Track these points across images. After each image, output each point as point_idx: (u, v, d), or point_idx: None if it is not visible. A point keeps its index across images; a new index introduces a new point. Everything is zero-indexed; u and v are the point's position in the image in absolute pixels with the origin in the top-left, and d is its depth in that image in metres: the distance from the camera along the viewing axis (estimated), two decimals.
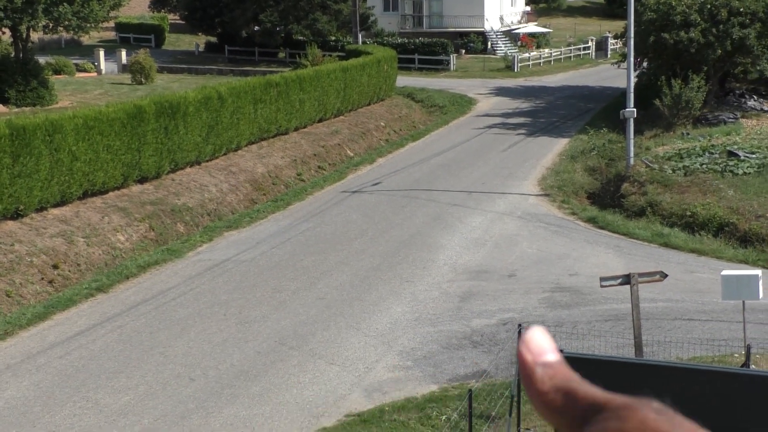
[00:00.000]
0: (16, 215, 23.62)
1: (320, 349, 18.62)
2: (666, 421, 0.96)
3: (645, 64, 48.88)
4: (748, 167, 32.21)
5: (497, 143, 41.91)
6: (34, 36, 53.79)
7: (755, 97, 47.56)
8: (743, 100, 46.74)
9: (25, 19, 42.69)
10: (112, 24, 74.37)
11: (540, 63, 71.41)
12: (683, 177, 31.82)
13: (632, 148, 34.02)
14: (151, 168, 28.62)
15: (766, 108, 45.77)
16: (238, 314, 20.52)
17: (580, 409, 1.00)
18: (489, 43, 75.88)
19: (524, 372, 1.04)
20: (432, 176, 35.14)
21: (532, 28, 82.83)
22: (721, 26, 43.17)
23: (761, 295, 15.83)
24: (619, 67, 49.70)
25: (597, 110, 50.67)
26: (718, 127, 40.70)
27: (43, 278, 21.99)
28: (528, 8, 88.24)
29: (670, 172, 32.58)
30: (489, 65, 68.57)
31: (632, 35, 34.16)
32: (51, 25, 44.93)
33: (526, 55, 71.46)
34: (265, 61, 70.42)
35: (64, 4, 43.30)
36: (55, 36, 61.05)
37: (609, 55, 73.94)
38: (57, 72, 58.23)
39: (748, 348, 15.09)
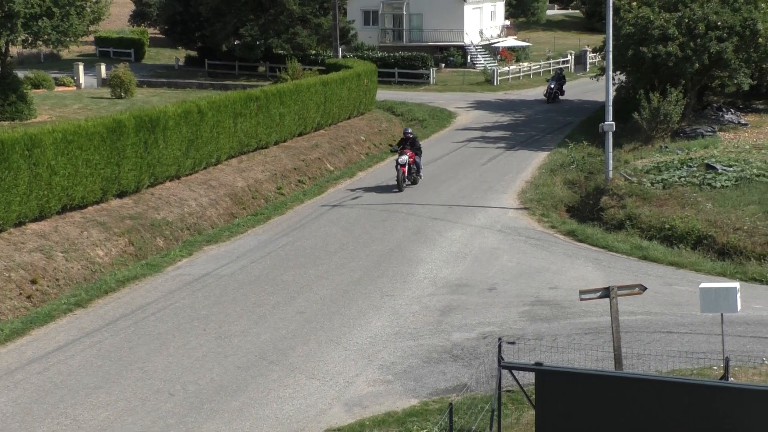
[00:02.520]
0: None
1: (300, 363, 18.59)
2: None
3: (623, 77, 49.17)
4: (725, 180, 32.41)
5: (477, 157, 42.03)
6: (13, 50, 53.65)
7: (732, 110, 47.93)
8: (721, 113, 47.08)
9: (4, 33, 42.54)
10: (91, 38, 74.18)
11: (519, 77, 71.75)
12: (662, 190, 32.00)
13: (611, 162, 34.20)
14: (130, 182, 28.54)
15: (743, 121, 46.12)
16: (218, 329, 20.46)
17: None
18: (469, 57, 76.19)
19: None
20: (412, 190, 35.17)
21: (512, 42, 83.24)
22: (698, 40, 43.50)
23: (739, 307, 15.92)
24: (598, 80, 49.95)
25: (576, 124, 50.93)
26: (696, 141, 40.98)
27: (21, 293, 21.87)
28: (507, 22, 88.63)
29: (649, 185, 32.75)
30: (469, 79, 68.81)
31: (611, 49, 34.38)
32: (30, 39, 44.82)
33: (506, 68, 71.79)
34: (245, 75, 70.46)
35: (44, 18, 43.19)
36: (34, 50, 60.83)
37: (588, 69, 74.33)
38: (36, 86, 58.06)
39: (726, 361, 15.16)
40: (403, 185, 34.99)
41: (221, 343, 19.59)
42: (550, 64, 76.77)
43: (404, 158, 35.19)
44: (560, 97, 60.28)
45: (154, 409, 16.45)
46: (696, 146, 39.39)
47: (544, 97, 60.10)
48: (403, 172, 34.98)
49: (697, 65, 43.58)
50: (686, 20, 44.23)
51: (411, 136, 36.10)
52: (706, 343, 18.92)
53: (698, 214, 28.73)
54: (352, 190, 35.30)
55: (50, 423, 15.91)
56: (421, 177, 36.28)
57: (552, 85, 60.16)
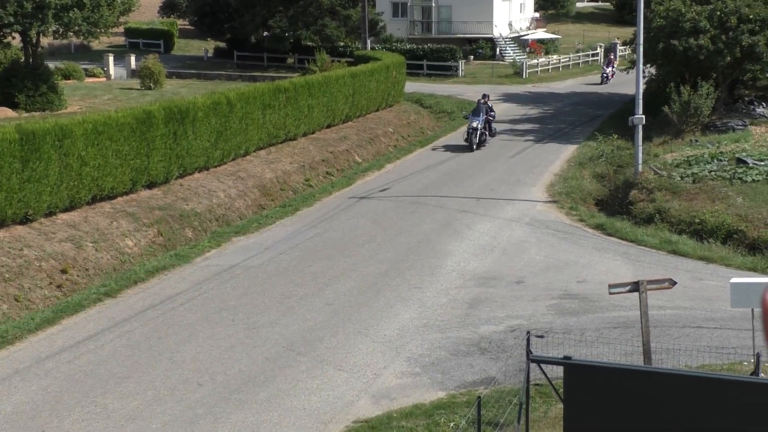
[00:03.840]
0: (26, 220, 23.67)
1: (328, 355, 18.62)
2: None
3: (653, 70, 48.87)
4: (756, 174, 32.15)
5: (505, 150, 41.89)
6: (44, 41, 53.99)
7: (764, 104, 47.51)
8: (752, 107, 46.70)
9: (35, 24, 42.81)
10: (121, 29, 74.47)
11: (548, 69, 71.42)
12: (692, 184, 31.78)
13: (640, 155, 33.99)
14: (159, 173, 28.66)
15: None
16: (246, 320, 20.53)
17: None
18: (498, 50, 75.91)
19: (765, 316, 0.97)
20: (440, 182, 35.15)
21: (541, 34, 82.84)
22: (730, 33, 43.14)
23: None
24: (627, 73, 49.69)
25: (605, 117, 50.65)
26: (727, 134, 40.66)
27: (51, 283, 22.04)
28: (537, 15, 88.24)
29: (679, 179, 32.54)
30: (497, 71, 68.56)
31: (641, 42, 34.13)
32: (61, 30, 45.06)
33: (535, 61, 71.47)
34: (274, 67, 70.52)
35: (74, 9, 43.42)
36: (64, 41, 61.22)
37: (618, 62, 73.84)
38: (66, 77, 58.40)
39: (757, 356, 15.05)
40: None
41: (249, 334, 19.66)
42: (579, 57, 76.39)
43: None
44: (488, 140, 42.26)
45: (182, 399, 16.54)
46: (727, 140, 39.08)
47: (464, 143, 41.66)
48: None
49: (729, 58, 43.22)
50: (718, 13, 43.86)
51: None
52: (737, 338, 18.78)
53: (729, 209, 28.53)
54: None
55: (80, 411, 16.03)
56: None
57: (475, 123, 41.03)
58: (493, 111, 43.53)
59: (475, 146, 40.75)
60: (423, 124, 48.23)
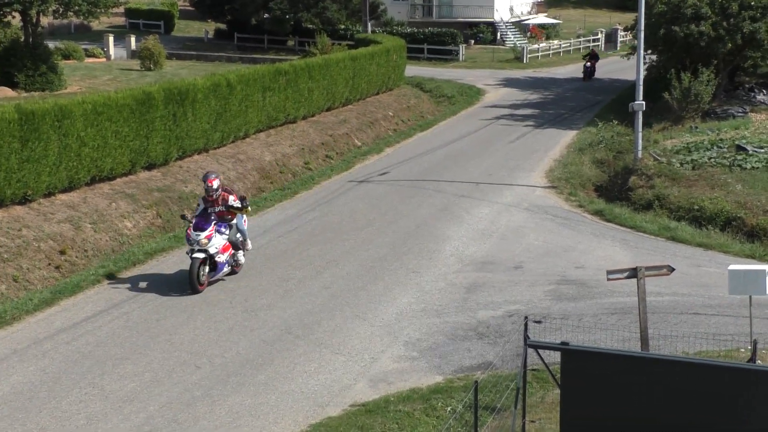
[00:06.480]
0: (24, 200, 23.65)
1: (326, 338, 18.64)
2: None
3: (654, 56, 48.78)
4: (756, 162, 32.15)
5: (505, 134, 41.87)
6: (44, 21, 53.92)
7: (764, 91, 47.47)
8: (752, 94, 46.67)
9: (36, 4, 42.73)
10: (121, 9, 74.40)
11: (549, 54, 71.32)
12: (691, 171, 31.78)
13: (640, 141, 33.97)
14: (159, 155, 28.62)
15: None
16: (244, 302, 20.54)
17: None
18: (498, 34, 75.81)
19: None
20: (439, 167, 35.12)
21: (542, 19, 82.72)
22: (731, 20, 43.07)
23: None
24: (628, 59, 49.60)
25: (606, 102, 50.62)
26: (727, 121, 40.66)
27: (50, 264, 22.03)
28: None
29: (678, 165, 32.54)
30: (498, 56, 68.48)
31: (642, 28, 34.07)
32: (61, 9, 45.03)
33: (536, 46, 71.38)
34: (274, 49, 70.41)
35: None
36: (65, 21, 61.09)
37: (618, 48, 73.78)
38: (66, 57, 58.30)
39: (754, 343, 15.05)
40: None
41: (247, 317, 19.67)
42: (580, 42, 76.21)
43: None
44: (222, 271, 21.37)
45: (180, 381, 16.56)
46: (727, 127, 39.07)
47: None
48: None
49: (730, 45, 43.18)
50: None
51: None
52: (734, 325, 18.82)
53: (728, 196, 28.53)
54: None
55: (78, 393, 16.05)
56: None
57: (202, 237, 20.76)
58: (244, 201, 22.00)
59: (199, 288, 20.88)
60: (423, 108, 48.18)
